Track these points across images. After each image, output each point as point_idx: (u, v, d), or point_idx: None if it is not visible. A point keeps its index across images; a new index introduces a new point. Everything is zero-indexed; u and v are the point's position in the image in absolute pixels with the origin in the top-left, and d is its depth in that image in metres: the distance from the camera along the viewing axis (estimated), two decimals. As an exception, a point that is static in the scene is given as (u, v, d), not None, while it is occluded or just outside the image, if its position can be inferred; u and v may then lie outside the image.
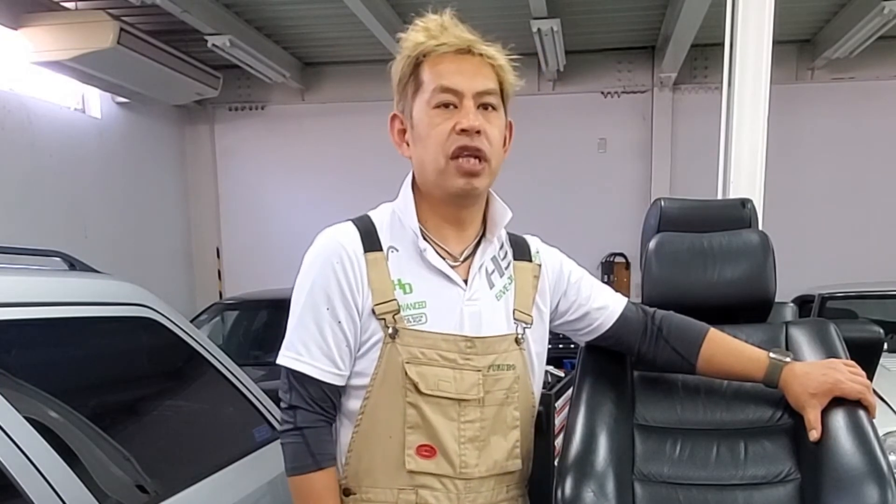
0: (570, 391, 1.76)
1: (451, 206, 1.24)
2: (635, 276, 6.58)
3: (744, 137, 2.79)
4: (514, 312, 1.28)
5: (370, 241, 1.21)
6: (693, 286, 1.60)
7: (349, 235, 1.21)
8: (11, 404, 1.29)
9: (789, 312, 1.77)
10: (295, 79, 6.54)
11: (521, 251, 1.35)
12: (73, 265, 1.92)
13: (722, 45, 2.84)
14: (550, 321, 1.38)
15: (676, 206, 1.80)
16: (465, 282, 1.23)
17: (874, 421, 1.36)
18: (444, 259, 1.23)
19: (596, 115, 6.68)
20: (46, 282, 1.68)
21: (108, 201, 5.98)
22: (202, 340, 1.99)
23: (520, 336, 1.28)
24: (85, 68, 4.97)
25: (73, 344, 1.65)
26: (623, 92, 6.64)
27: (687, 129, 6.43)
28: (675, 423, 1.49)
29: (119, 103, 6.21)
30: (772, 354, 1.35)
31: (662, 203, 1.80)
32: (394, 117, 1.26)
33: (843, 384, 1.29)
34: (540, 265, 1.35)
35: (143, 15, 5.18)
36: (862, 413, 1.36)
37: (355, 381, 1.21)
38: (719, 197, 2.83)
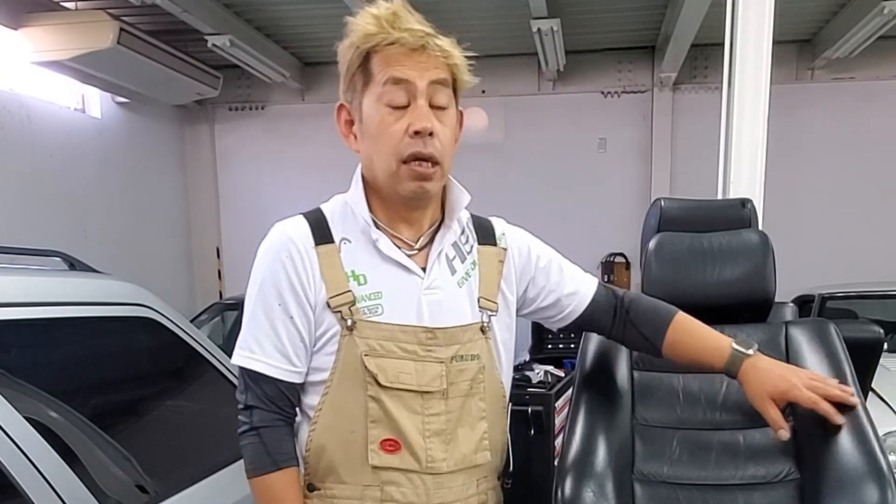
0: (570, 391, 1.76)
1: (403, 205, 1.20)
2: (635, 276, 6.58)
3: (744, 137, 2.79)
4: (478, 300, 1.24)
5: (321, 233, 1.18)
6: (693, 286, 1.60)
7: (299, 229, 1.18)
8: (11, 404, 1.29)
9: (789, 312, 1.77)
10: (295, 79, 6.54)
11: (485, 234, 1.30)
12: (73, 265, 1.92)
13: (722, 45, 2.84)
14: (520, 308, 1.34)
15: (676, 206, 1.80)
16: (424, 270, 1.20)
17: (874, 421, 1.37)
18: (399, 248, 1.19)
19: (596, 115, 6.67)
20: (46, 282, 1.68)
21: (108, 201, 5.98)
22: (202, 340, 1.99)
23: (485, 325, 1.24)
24: (85, 68, 4.97)
25: (73, 344, 1.66)
26: (623, 92, 6.64)
27: (687, 129, 6.42)
28: (675, 423, 1.49)
29: (119, 103, 6.21)
30: (734, 344, 1.31)
31: (662, 203, 1.80)
32: (340, 107, 1.20)
33: (798, 390, 1.25)
34: (505, 249, 1.30)
35: (143, 15, 5.18)
36: (862, 413, 1.36)
37: (314, 377, 1.18)
38: (719, 197, 2.82)
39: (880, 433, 1.37)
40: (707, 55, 6.25)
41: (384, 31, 1.10)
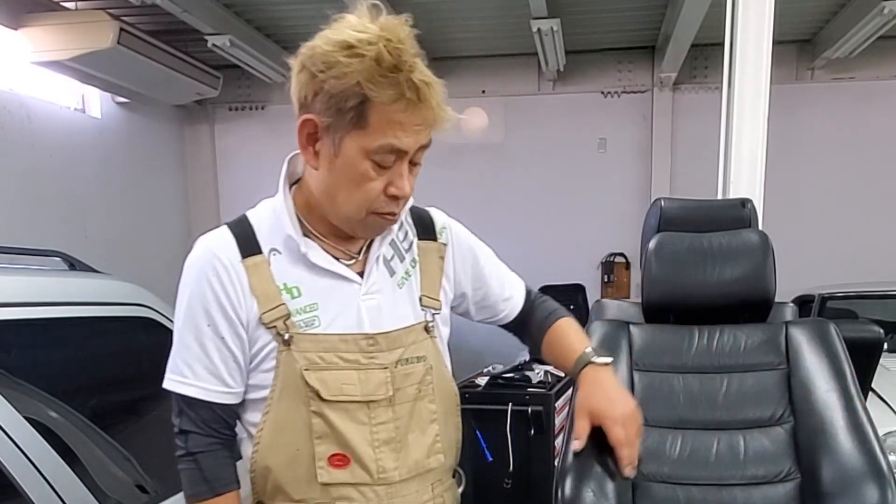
0: (570, 391, 1.76)
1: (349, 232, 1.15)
2: (635, 276, 6.57)
3: (744, 137, 2.79)
4: (420, 299, 1.19)
5: (248, 245, 1.12)
6: (693, 286, 1.60)
7: (223, 242, 1.12)
8: (11, 404, 1.29)
9: (789, 312, 1.77)
10: (295, 79, 6.55)
11: (425, 229, 1.25)
12: (73, 265, 1.93)
13: (722, 45, 2.84)
14: (455, 307, 1.30)
15: (676, 206, 1.80)
16: (361, 275, 1.14)
17: (874, 421, 1.37)
18: (336, 258, 1.14)
19: (596, 115, 6.67)
20: (46, 282, 1.68)
21: (108, 201, 5.98)
22: (202, 340, 1.99)
23: (429, 324, 1.19)
24: (85, 68, 4.96)
25: (73, 344, 1.66)
26: (623, 92, 6.64)
27: (687, 129, 6.42)
28: (675, 423, 1.49)
29: (119, 103, 6.20)
30: (587, 348, 1.28)
31: (662, 203, 1.80)
32: (308, 122, 1.10)
33: (615, 423, 1.20)
34: (446, 244, 1.25)
35: (143, 15, 5.17)
36: (862, 413, 1.36)
37: (253, 395, 1.13)
38: (719, 197, 2.83)
39: (880, 433, 1.38)
40: (707, 55, 6.25)
41: (396, 86, 0.99)
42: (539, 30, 5.07)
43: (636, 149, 6.65)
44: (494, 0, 5.16)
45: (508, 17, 5.37)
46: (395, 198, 1.08)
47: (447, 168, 7.06)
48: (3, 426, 1.25)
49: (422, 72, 1.02)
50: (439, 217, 1.28)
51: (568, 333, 1.33)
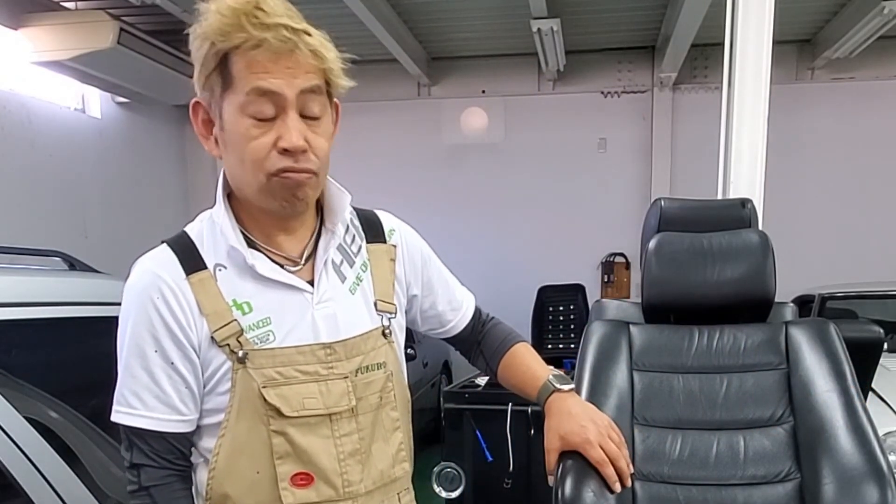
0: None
1: (277, 217, 1.08)
2: (635, 276, 6.58)
3: (744, 137, 2.79)
4: (375, 304, 1.15)
5: (191, 261, 1.05)
6: (693, 286, 1.60)
7: (165, 261, 1.05)
8: (11, 404, 1.29)
9: (789, 312, 1.77)
10: (295, 79, 6.54)
11: (373, 231, 1.20)
12: (73, 265, 1.93)
13: (722, 45, 2.84)
14: (405, 312, 1.26)
15: (676, 206, 1.80)
16: (311, 283, 1.09)
17: (874, 421, 1.37)
18: (281, 266, 1.08)
19: (596, 115, 6.68)
20: (46, 282, 1.68)
21: (108, 201, 5.98)
22: (202, 340, 1.99)
23: (387, 329, 1.15)
24: (85, 68, 4.96)
25: (74, 344, 1.66)
26: (623, 92, 6.64)
27: (687, 129, 6.42)
28: (675, 423, 1.49)
29: (119, 103, 6.21)
30: (551, 375, 1.28)
31: (662, 203, 1.80)
32: (197, 106, 1.04)
33: (590, 445, 1.22)
34: (395, 246, 1.21)
35: (143, 15, 5.18)
36: (862, 413, 1.36)
37: (208, 420, 1.07)
38: (719, 197, 2.83)
39: (880, 433, 1.38)
40: (707, 55, 6.26)
41: (244, 31, 0.94)
42: (539, 30, 5.08)
43: (636, 149, 6.65)
44: (494, 0, 5.16)
45: (508, 17, 5.38)
46: (287, 152, 0.99)
47: (447, 168, 7.07)
48: (3, 426, 1.25)
49: (274, 14, 0.95)
50: (388, 219, 1.24)
51: (527, 359, 1.32)
